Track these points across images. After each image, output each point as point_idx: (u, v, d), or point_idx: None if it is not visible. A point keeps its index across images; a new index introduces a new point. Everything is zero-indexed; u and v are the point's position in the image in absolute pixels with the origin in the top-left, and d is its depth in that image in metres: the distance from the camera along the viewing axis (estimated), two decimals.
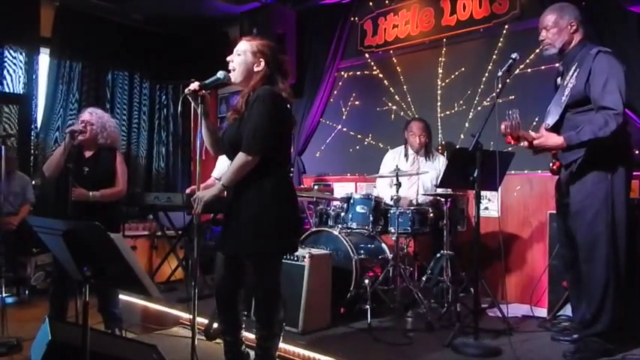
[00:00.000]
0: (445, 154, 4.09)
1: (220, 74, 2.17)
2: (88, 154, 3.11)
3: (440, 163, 3.86)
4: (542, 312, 3.25)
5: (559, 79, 2.66)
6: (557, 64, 2.76)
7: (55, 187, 3.12)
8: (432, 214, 3.48)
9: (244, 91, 2.15)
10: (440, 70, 4.32)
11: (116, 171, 3.11)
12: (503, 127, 2.48)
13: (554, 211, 2.86)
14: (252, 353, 2.30)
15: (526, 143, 2.49)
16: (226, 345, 2.30)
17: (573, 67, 2.51)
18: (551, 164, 2.67)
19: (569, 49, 2.58)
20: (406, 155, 3.90)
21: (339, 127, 4.99)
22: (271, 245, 2.11)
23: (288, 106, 2.19)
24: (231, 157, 2.19)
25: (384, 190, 3.88)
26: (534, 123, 3.40)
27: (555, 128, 2.55)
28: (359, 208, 3.45)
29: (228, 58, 2.19)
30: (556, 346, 2.68)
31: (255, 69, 2.16)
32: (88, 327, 1.63)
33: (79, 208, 2.85)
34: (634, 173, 2.58)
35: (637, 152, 3.22)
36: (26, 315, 3.75)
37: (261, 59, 2.15)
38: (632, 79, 3.16)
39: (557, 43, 2.57)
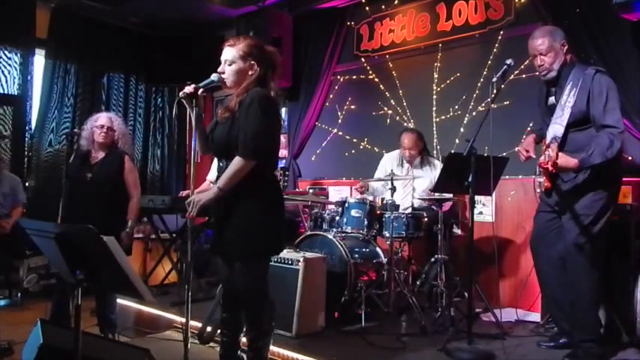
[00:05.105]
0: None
1: (214, 76, 2.19)
2: (94, 159, 3.11)
3: (437, 170, 3.78)
4: (535, 317, 3.26)
5: (551, 99, 2.67)
6: (542, 80, 2.71)
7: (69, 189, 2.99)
8: (426, 219, 3.49)
9: (238, 91, 2.16)
10: (435, 75, 4.34)
11: (126, 181, 3.11)
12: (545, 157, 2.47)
13: None
14: (245, 357, 2.28)
15: (549, 166, 2.43)
16: (222, 346, 2.29)
17: (568, 87, 2.54)
18: (543, 180, 2.68)
19: (563, 69, 2.60)
20: (401, 162, 3.89)
21: (335, 131, 4.99)
22: (260, 246, 2.13)
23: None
24: (220, 157, 2.21)
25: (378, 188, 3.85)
26: (528, 128, 3.43)
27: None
28: (354, 212, 3.45)
29: (219, 70, 2.18)
30: (549, 351, 2.68)
31: (250, 73, 2.17)
32: (80, 330, 1.62)
33: (88, 212, 2.82)
34: (628, 179, 2.63)
35: (629, 158, 3.26)
36: (18, 318, 3.71)
37: (252, 62, 2.16)
38: (626, 87, 3.20)
39: (555, 66, 2.60)
